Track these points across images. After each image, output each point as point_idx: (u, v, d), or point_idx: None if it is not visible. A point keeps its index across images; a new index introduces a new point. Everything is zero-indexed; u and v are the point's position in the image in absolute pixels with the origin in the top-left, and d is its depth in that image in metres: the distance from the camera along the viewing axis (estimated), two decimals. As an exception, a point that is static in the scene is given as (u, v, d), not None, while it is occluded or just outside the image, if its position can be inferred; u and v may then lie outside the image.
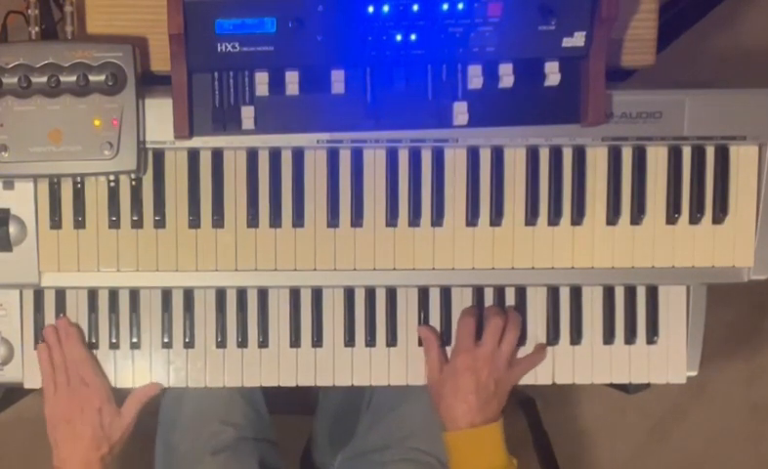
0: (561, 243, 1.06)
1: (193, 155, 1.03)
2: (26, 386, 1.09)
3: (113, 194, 1.03)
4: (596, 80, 0.98)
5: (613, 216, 1.06)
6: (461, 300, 1.09)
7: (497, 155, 1.04)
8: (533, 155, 1.04)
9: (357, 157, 1.04)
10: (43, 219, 1.03)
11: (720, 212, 1.06)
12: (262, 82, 0.97)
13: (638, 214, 1.06)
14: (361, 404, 1.23)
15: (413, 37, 0.95)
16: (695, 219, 1.06)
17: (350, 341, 1.09)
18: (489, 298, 1.10)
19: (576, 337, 1.11)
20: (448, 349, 1.10)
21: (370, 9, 0.93)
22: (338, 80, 0.97)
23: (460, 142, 1.03)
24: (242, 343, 1.09)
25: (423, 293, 1.10)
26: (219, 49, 0.94)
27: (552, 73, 0.98)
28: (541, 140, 1.04)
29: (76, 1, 0.99)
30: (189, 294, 1.09)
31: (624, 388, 1.15)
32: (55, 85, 0.96)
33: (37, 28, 0.99)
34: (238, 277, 1.05)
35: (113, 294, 1.08)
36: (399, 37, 0.94)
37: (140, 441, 1.15)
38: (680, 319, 1.11)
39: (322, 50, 0.95)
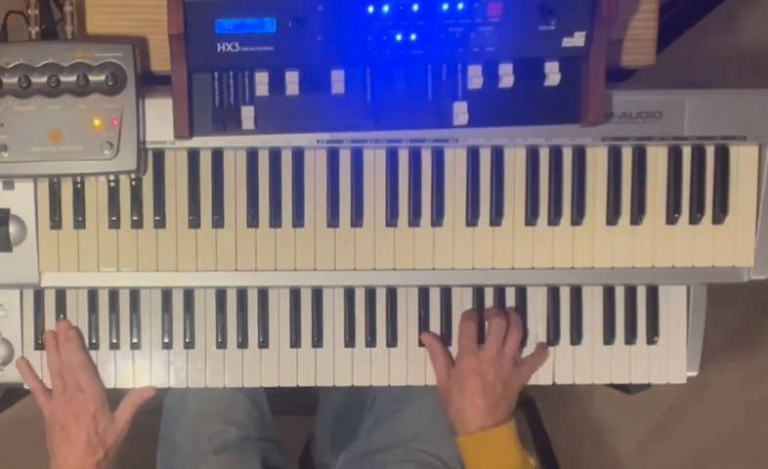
0: (561, 243, 1.06)
1: (193, 155, 1.03)
2: (27, 386, 1.09)
3: (113, 194, 1.03)
4: (596, 80, 0.98)
5: (613, 216, 1.06)
6: (461, 300, 1.10)
7: (497, 155, 1.04)
8: (533, 155, 1.04)
9: (357, 157, 1.04)
10: (43, 219, 1.03)
11: (720, 212, 1.06)
12: (262, 82, 0.97)
13: (638, 214, 1.06)
14: (363, 404, 1.23)
15: (413, 37, 0.95)
16: (695, 219, 1.06)
17: (350, 341, 1.09)
18: (489, 298, 1.10)
19: (576, 337, 1.11)
20: (449, 349, 1.10)
21: (370, 9, 0.93)
22: (338, 80, 0.97)
23: (460, 142, 1.03)
24: (243, 343, 1.09)
25: (423, 293, 1.10)
26: (219, 49, 0.94)
27: (552, 73, 0.98)
28: (541, 140, 1.04)
29: (76, 1, 0.99)
30: (189, 294, 1.09)
31: (624, 388, 1.15)
32: (55, 85, 0.96)
33: (37, 28, 0.99)
34: (238, 277, 1.05)
35: (113, 294, 1.08)
36: (399, 37, 0.94)
37: (141, 440, 1.15)
38: (680, 319, 1.11)
39: (322, 50, 0.95)
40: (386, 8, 0.92)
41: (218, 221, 1.04)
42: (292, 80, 0.97)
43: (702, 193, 1.06)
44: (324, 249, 1.05)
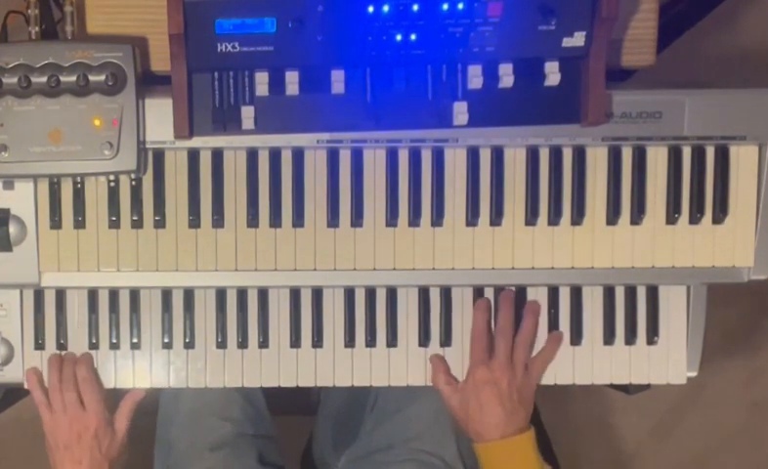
0: (561, 243, 1.06)
1: (193, 155, 1.03)
2: (27, 386, 1.09)
3: (113, 194, 1.03)
4: (596, 80, 0.98)
5: (613, 216, 1.06)
6: (461, 300, 1.09)
7: (497, 155, 1.04)
8: (533, 155, 1.04)
9: (357, 157, 1.04)
10: (43, 219, 1.03)
11: (720, 212, 1.06)
12: (262, 82, 0.97)
13: (638, 214, 1.06)
14: (364, 404, 1.23)
15: (413, 37, 0.95)
16: (695, 219, 1.06)
17: (350, 341, 1.09)
18: (489, 298, 1.10)
19: (576, 337, 1.11)
20: (448, 349, 1.10)
21: (370, 9, 0.93)
22: (338, 80, 0.97)
23: (460, 142, 1.03)
24: (243, 343, 1.09)
25: (423, 293, 1.10)
26: (219, 49, 0.94)
27: (552, 73, 0.98)
28: (541, 140, 1.04)
29: (76, 1, 0.99)
30: (189, 294, 1.09)
31: (624, 388, 1.15)
32: (55, 85, 0.96)
33: (37, 28, 0.99)
34: (238, 277, 1.05)
35: (113, 294, 1.08)
36: (399, 37, 0.94)
37: (139, 441, 1.15)
38: (680, 319, 1.11)
39: (322, 50, 0.95)
40: (386, 8, 0.92)
41: (218, 221, 1.04)
42: (292, 80, 0.97)
43: (702, 193, 1.06)
44: (324, 249, 1.05)
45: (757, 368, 1.89)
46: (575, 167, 1.05)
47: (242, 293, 1.09)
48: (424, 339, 1.10)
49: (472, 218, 1.05)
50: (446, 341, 1.10)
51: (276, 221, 1.04)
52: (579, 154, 1.05)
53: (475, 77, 0.97)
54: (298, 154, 1.03)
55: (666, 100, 1.02)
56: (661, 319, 1.11)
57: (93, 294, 1.08)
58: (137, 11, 1.01)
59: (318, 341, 1.09)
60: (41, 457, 1.08)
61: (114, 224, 1.03)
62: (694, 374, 1.12)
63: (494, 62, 0.97)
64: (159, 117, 1.00)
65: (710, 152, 1.06)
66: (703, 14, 1.49)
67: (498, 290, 1.10)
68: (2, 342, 1.07)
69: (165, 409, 1.21)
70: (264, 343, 1.09)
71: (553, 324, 1.10)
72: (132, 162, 0.98)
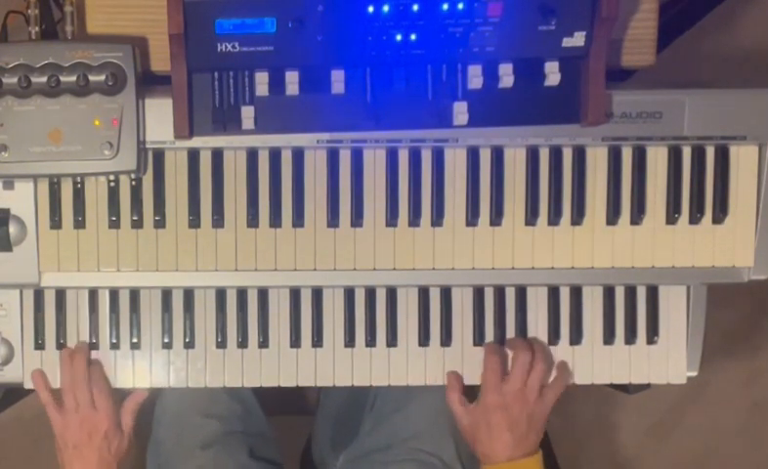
0: (561, 243, 1.06)
1: (193, 155, 1.03)
2: (27, 386, 1.09)
3: (113, 194, 1.03)
4: (596, 80, 0.98)
5: (613, 216, 1.06)
6: (461, 300, 1.09)
7: (497, 155, 1.04)
8: (533, 155, 1.04)
9: (357, 157, 1.04)
10: (43, 219, 1.03)
11: (720, 212, 1.06)
12: (262, 82, 0.97)
13: (638, 214, 1.06)
14: (363, 404, 1.23)
15: (413, 37, 0.95)
16: (695, 219, 1.06)
17: (350, 341, 1.09)
18: (489, 298, 1.10)
19: (576, 337, 1.11)
20: (448, 349, 1.10)
21: (370, 9, 0.93)
22: (338, 80, 0.97)
23: (460, 142, 1.03)
24: (242, 343, 1.09)
25: (423, 293, 1.10)
26: (219, 49, 0.94)
27: (552, 73, 0.98)
28: (541, 140, 1.04)
29: (76, 1, 0.99)
30: (189, 294, 1.09)
31: (624, 388, 1.15)
32: (55, 85, 0.96)
33: (37, 28, 0.99)
34: (238, 277, 1.05)
35: (113, 294, 1.08)
36: (399, 37, 0.94)
37: (139, 439, 1.15)
38: (680, 319, 1.11)
39: (322, 50, 0.95)
40: (386, 8, 0.92)
41: (218, 221, 1.04)
42: (292, 80, 0.97)
43: (702, 193, 1.06)
44: (324, 249, 1.05)
45: (757, 368, 1.89)
46: (575, 167, 1.05)
47: (242, 293, 1.09)
48: (424, 339, 1.10)
49: (472, 218, 1.05)
50: (446, 341, 1.10)
51: (276, 221, 1.04)
52: (579, 154, 1.05)
53: (475, 77, 0.97)
54: (298, 154, 1.03)
55: (666, 100, 1.02)
56: (661, 319, 1.11)
57: (93, 294, 1.08)
58: (137, 11, 1.01)
59: (317, 341, 1.09)
60: (41, 457, 1.09)
61: (114, 224, 1.03)
62: (694, 374, 1.12)
63: (494, 62, 0.97)
64: (159, 117, 1.00)
65: (710, 152, 1.06)
66: (703, 14, 1.49)
67: (498, 290, 1.10)
68: (2, 342, 1.07)
69: (155, 408, 1.21)
70: (264, 343, 1.09)
71: (553, 324, 1.10)
72: (132, 162, 0.98)
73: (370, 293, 1.09)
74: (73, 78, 0.96)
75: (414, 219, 1.05)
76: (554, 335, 1.10)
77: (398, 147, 1.04)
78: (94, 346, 1.09)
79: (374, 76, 0.98)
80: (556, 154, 1.05)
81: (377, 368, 1.10)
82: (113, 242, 1.04)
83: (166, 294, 1.09)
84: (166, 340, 1.09)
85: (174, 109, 0.97)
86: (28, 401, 1.24)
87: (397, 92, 0.98)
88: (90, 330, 1.09)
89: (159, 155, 1.03)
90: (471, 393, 1.10)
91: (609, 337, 1.11)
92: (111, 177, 1.03)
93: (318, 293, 1.09)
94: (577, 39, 0.96)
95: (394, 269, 1.05)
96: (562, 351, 1.11)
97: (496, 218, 1.05)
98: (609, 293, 1.11)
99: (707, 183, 1.06)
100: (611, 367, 1.12)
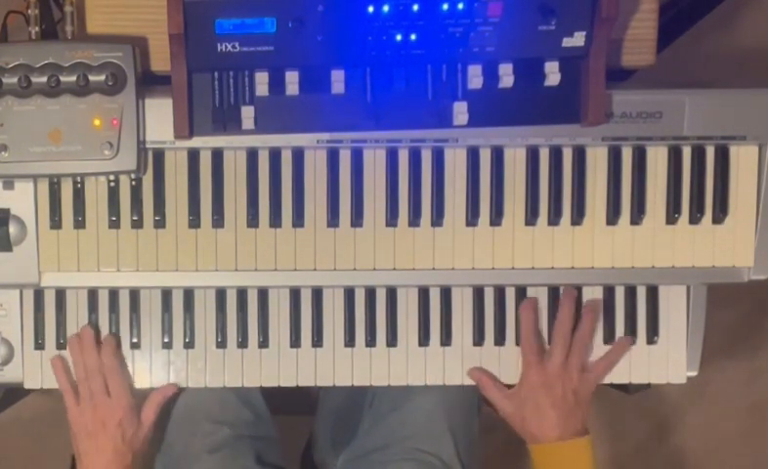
0: (561, 243, 1.06)
1: (193, 155, 1.03)
2: (27, 386, 1.09)
3: (113, 194, 1.03)
4: (596, 80, 0.98)
5: (613, 216, 1.06)
6: (461, 300, 1.10)
7: (497, 155, 1.04)
8: (533, 155, 1.05)
9: (357, 157, 1.04)
10: (43, 219, 1.03)
11: (720, 212, 1.06)
12: (262, 82, 0.97)
13: (638, 214, 1.06)
14: (363, 404, 1.23)
15: (413, 37, 0.95)
16: (695, 219, 1.06)
17: (350, 341, 1.09)
18: (489, 298, 1.10)
19: (576, 337, 1.11)
20: (448, 349, 1.10)
21: (370, 9, 0.93)
22: (338, 80, 0.97)
23: (460, 142, 1.03)
24: (242, 343, 1.09)
25: (423, 293, 1.10)
26: (219, 49, 0.94)
27: (552, 73, 0.98)
28: (541, 140, 1.04)
29: (76, 1, 0.99)
30: (189, 294, 1.09)
31: (624, 388, 1.15)
32: (55, 85, 0.96)
33: (37, 28, 0.99)
34: (238, 277, 1.05)
35: (113, 294, 1.08)
36: (399, 37, 0.94)
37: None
38: (680, 319, 1.11)
39: (322, 50, 0.95)
40: (386, 8, 0.92)
41: (218, 221, 1.04)
42: (292, 80, 0.97)
43: (702, 193, 1.06)
44: (324, 249, 1.05)
45: (757, 368, 1.89)
46: (575, 167, 1.05)
47: (242, 293, 1.09)
48: (424, 339, 1.10)
49: (472, 218, 1.05)
50: (446, 341, 1.10)
51: (276, 221, 1.04)
52: (579, 154, 1.05)
53: (475, 77, 0.97)
54: (298, 154, 1.03)
55: (666, 100, 1.02)
56: (661, 319, 1.11)
57: (93, 294, 1.08)
58: (137, 11, 1.01)
59: (317, 341, 1.09)
60: (41, 457, 1.08)
61: (114, 224, 1.04)
62: (694, 374, 1.12)
63: (494, 62, 0.97)
64: (159, 117, 1.00)
65: (710, 152, 1.06)
66: (702, 14, 1.49)
67: (498, 290, 1.10)
68: (2, 342, 1.07)
69: (164, 410, 1.21)
70: (264, 343, 1.09)
71: (553, 325, 1.10)
72: (132, 162, 0.98)
73: (370, 293, 1.09)
74: (73, 78, 0.96)
75: (414, 219, 1.05)
76: (554, 335, 1.10)
77: (398, 147, 1.04)
78: (94, 346, 1.09)
79: (374, 76, 0.98)
80: (556, 154, 1.05)
81: (377, 368, 1.10)
82: (113, 242, 1.04)
83: (166, 294, 1.09)
84: (166, 340, 1.09)
85: (174, 109, 0.97)
86: (28, 401, 1.24)
87: (397, 92, 0.98)
88: (90, 330, 1.09)
89: (159, 155, 1.03)
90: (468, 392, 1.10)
91: (609, 337, 1.11)
92: (111, 177, 1.03)
93: (318, 293, 1.09)
94: (577, 39, 0.96)
95: (394, 269, 1.05)
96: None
97: (496, 218, 1.05)
98: (609, 293, 1.11)
99: (707, 183, 1.06)
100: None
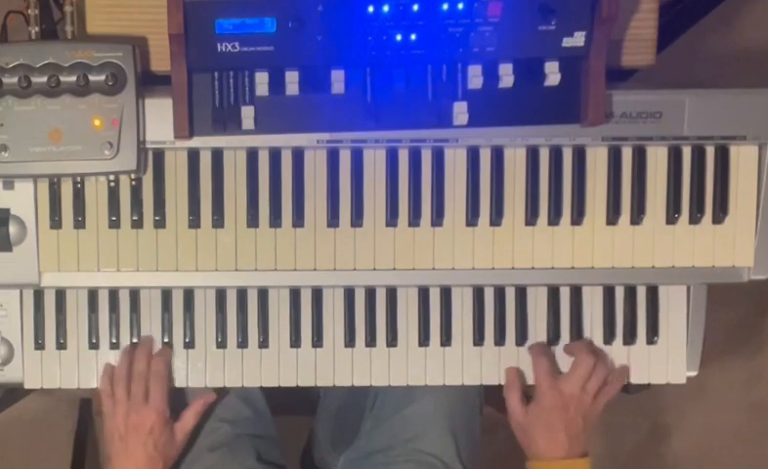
0: (561, 243, 1.06)
1: (193, 155, 1.03)
2: (27, 386, 1.09)
3: (113, 194, 1.03)
4: (596, 80, 0.98)
5: (613, 216, 1.06)
6: (461, 300, 1.09)
7: (497, 155, 1.04)
8: (533, 155, 1.05)
9: (357, 157, 1.04)
10: (43, 219, 1.03)
11: (720, 212, 1.06)
12: (262, 82, 0.97)
13: (638, 214, 1.06)
14: (364, 405, 1.23)
15: (413, 37, 0.95)
16: (695, 219, 1.06)
17: (350, 341, 1.09)
18: (489, 298, 1.10)
19: (576, 337, 1.11)
20: (448, 349, 1.10)
21: (370, 9, 0.93)
22: (338, 80, 0.97)
23: (460, 142, 1.03)
24: (242, 343, 1.09)
25: (423, 293, 1.10)
26: (219, 49, 0.94)
27: (552, 73, 0.98)
28: (541, 140, 1.04)
29: (76, 1, 0.99)
30: (189, 294, 1.09)
31: (624, 388, 1.15)
32: (55, 85, 0.96)
33: (37, 28, 0.99)
34: (238, 277, 1.05)
35: (113, 294, 1.08)
36: (399, 37, 0.94)
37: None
38: (680, 319, 1.11)
39: (322, 50, 0.95)
40: (386, 8, 0.92)
41: (218, 221, 1.04)
42: (292, 80, 0.97)
43: (702, 193, 1.06)
44: (324, 249, 1.05)
45: (757, 368, 1.89)
46: (575, 167, 1.05)
47: (242, 293, 1.09)
48: (424, 339, 1.10)
49: (472, 218, 1.05)
50: (446, 341, 1.10)
51: (276, 221, 1.04)
52: (579, 154, 1.05)
53: (475, 77, 0.97)
54: (298, 154, 1.03)
55: (666, 100, 1.02)
56: (661, 319, 1.11)
57: (93, 294, 1.08)
58: (137, 11, 1.01)
59: (317, 341, 1.09)
60: (41, 457, 1.08)
61: (114, 224, 1.03)
62: (694, 374, 1.12)
63: (494, 62, 0.97)
64: (159, 117, 1.00)
65: (710, 152, 1.06)
66: (702, 14, 1.49)
67: (498, 290, 1.10)
68: (2, 342, 1.07)
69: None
70: (264, 343, 1.09)
71: (553, 324, 1.10)
72: (132, 162, 0.98)
73: (370, 293, 1.09)
74: (73, 78, 0.96)
75: (414, 219, 1.05)
76: (554, 335, 1.10)
77: (398, 147, 1.04)
78: (94, 346, 1.09)
79: (374, 76, 0.98)
80: (556, 154, 1.05)
81: (377, 368, 1.10)
82: (113, 242, 1.04)
83: (166, 294, 1.09)
84: (166, 340, 1.09)
85: (174, 109, 0.97)
86: (28, 401, 1.24)
87: (397, 92, 0.98)
88: (90, 330, 1.08)
89: (159, 155, 1.03)
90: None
91: (609, 337, 1.11)
92: (111, 177, 1.03)
93: (318, 293, 1.09)
94: (577, 39, 0.96)
95: (394, 269, 1.05)
96: (562, 351, 1.11)
97: (496, 218, 1.05)
98: (609, 293, 1.11)
99: (707, 183, 1.06)
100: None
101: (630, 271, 1.07)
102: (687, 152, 1.06)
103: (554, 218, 1.05)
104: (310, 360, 1.09)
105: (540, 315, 1.10)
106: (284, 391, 1.10)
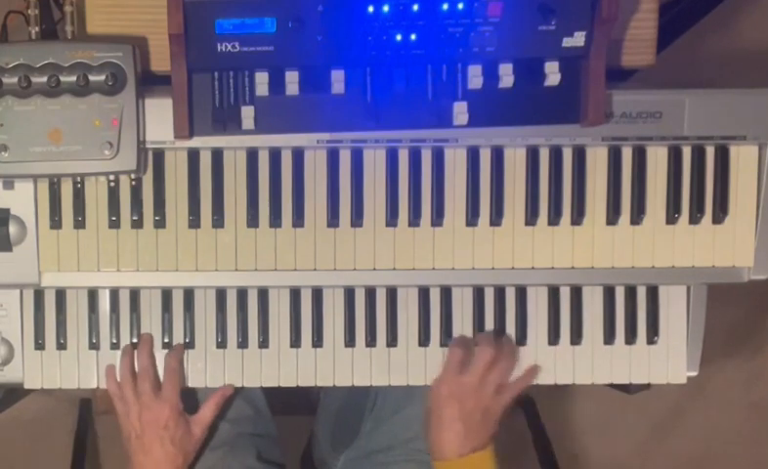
0: (561, 243, 1.06)
1: (193, 155, 1.03)
2: (27, 386, 1.09)
3: (113, 194, 1.03)
4: (596, 80, 0.98)
5: (613, 216, 1.06)
6: (461, 300, 1.09)
7: (497, 155, 1.04)
8: (533, 155, 1.05)
9: (357, 157, 1.04)
10: (43, 219, 1.03)
11: (720, 212, 1.06)
12: (262, 82, 0.97)
13: (638, 214, 1.06)
14: (364, 405, 1.23)
15: (413, 37, 0.95)
16: (695, 219, 1.06)
17: (350, 341, 1.09)
18: (489, 298, 1.10)
19: (576, 337, 1.11)
20: (447, 350, 1.10)
21: (370, 9, 0.93)
22: (338, 80, 0.97)
23: (460, 142, 1.03)
24: (243, 343, 1.09)
25: (423, 293, 1.10)
26: (219, 49, 0.94)
27: (552, 73, 0.98)
28: (541, 140, 1.04)
29: (76, 1, 0.99)
30: (189, 294, 1.09)
31: (625, 388, 1.15)
32: (55, 85, 0.96)
33: (37, 28, 0.99)
34: (238, 277, 1.05)
35: (113, 294, 1.08)
36: (399, 37, 0.94)
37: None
38: (680, 319, 1.11)
39: (322, 50, 0.95)
40: (386, 8, 0.92)
41: (218, 221, 1.04)
42: (292, 80, 0.97)
43: (702, 193, 1.06)
44: (324, 249, 1.05)
45: (757, 368, 1.90)
46: (575, 167, 1.05)
47: (242, 293, 1.09)
48: (424, 339, 1.10)
49: (472, 218, 1.05)
50: (446, 341, 1.10)
51: (276, 221, 1.04)
52: (579, 154, 1.05)
53: (475, 77, 0.97)
54: (298, 154, 1.04)
55: (666, 100, 1.03)
56: (662, 319, 1.11)
57: (93, 294, 1.08)
58: (137, 11, 1.01)
59: (318, 341, 1.09)
60: (41, 457, 1.08)
61: (114, 224, 1.04)
62: (694, 374, 1.12)
63: (494, 62, 0.97)
64: (159, 117, 1.00)
65: (710, 152, 1.06)
66: (703, 14, 1.49)
67: (498, 290, 1.10)
68: (2, 342, 1.07)
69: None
70: (264, 343, 1.09)
71: (553, 324, 1.10)
72: (132, 162, 0.98)
73: (370, 293, 1.09)
74: (73, 78, 0.96)
75: (414, 219, 1.05)
76: (554, 335, 1.10)
77: (398, 147, 1.04)
78: (94, 346, 1.09)
79: (374, 76, 0.98)
80: (556, 154, 1.05)
81: (377, 368, 1.10)
82: (113, 242, 1.04)
83: (166, 294, 1.09)
84: (166, 340, 1.09)
85: (174, 109, 0.97)
86: (28, 401, 1.24)
87: (397, 92, 0.98)
88: (90, 330, 1.09)
89: (159, 155, 1.03)
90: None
91: (609, 337, 1.11)
92: (111, 177, 1.03)
93: (318, 293, 1.09)
94: (577, 39, 0.96)
95: (394, 269, 1.05)
96: (562, 351, 1.11)
97: (496, 218, 1.05)
98: (609, 293, 1.11)
99: (707, 183, 1.06)
100: (611, 367, 1.12)
101: (630, 271, 1.07)
102: (687, 152, 1.06)
103: (554, 218, 1.05)
104: (310, 360, 1.09)
105: (540, 315, 1.10)
106: (284, 391, 1.10)
